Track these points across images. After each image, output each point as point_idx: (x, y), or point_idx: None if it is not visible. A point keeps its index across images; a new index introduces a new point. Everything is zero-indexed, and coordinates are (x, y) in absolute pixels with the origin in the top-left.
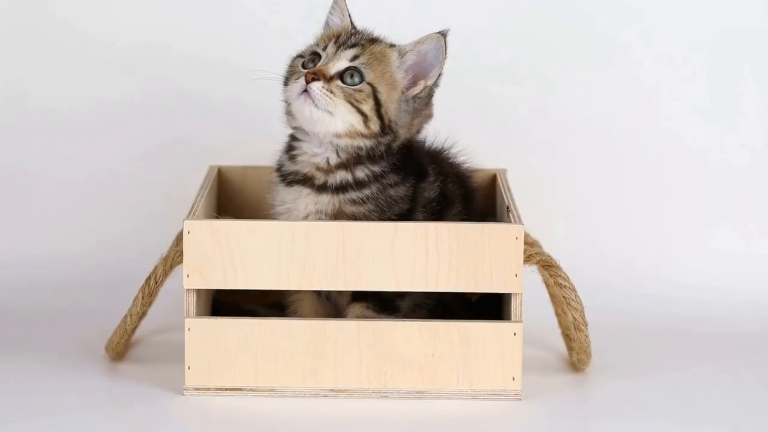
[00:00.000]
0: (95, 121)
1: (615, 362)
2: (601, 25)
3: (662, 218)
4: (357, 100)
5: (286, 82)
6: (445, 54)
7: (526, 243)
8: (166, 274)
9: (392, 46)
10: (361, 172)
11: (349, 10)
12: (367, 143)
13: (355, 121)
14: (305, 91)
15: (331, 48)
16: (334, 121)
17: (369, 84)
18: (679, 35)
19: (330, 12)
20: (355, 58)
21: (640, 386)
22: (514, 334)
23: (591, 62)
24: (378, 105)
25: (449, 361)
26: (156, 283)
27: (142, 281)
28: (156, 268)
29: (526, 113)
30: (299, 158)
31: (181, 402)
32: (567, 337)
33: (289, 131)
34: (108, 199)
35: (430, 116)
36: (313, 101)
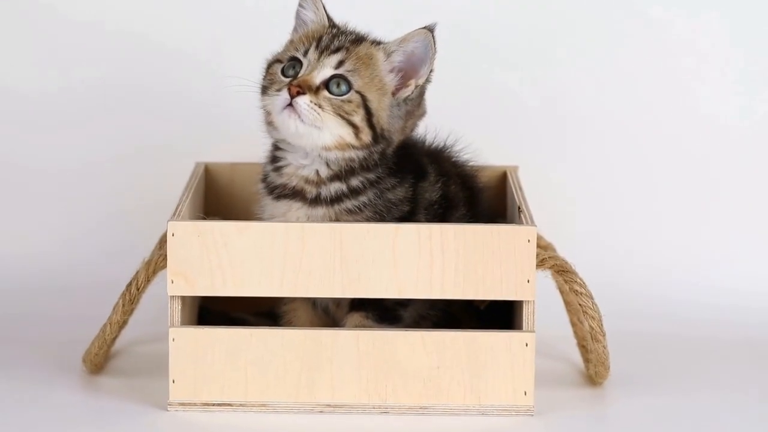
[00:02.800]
0: (71, 113)
1: (635, 375)
2: (615, 9)
3: (684, 218)
4: (347, 112)
5: (265, 90)
6: (435, 49)
7: (539, 246)
8: (148, 280)
9: (377, 44)
10: (355, 180)
11: (323, 2)
12: (359, 154)
13: (344, 133)
14: (290, 104)
15: (312, 54)
16: (322, 135)
17: (358, 92)
18: (708, 12)
19: (301, 5)
20: (340, 64)
21: (662, 401)
22: (526, 344)
23: (606, 47)
24: (369, 114)
25: (455, 374)
26: (138, 289)
27: (123, 287)
28: (138, 273)
29: (537, 104)
30: (285, 170)
31: (165, 418)
32: (583, 348)
33: (271, 140)
34: (85, 198)
35: (422, 115)
36: (300, 116)
